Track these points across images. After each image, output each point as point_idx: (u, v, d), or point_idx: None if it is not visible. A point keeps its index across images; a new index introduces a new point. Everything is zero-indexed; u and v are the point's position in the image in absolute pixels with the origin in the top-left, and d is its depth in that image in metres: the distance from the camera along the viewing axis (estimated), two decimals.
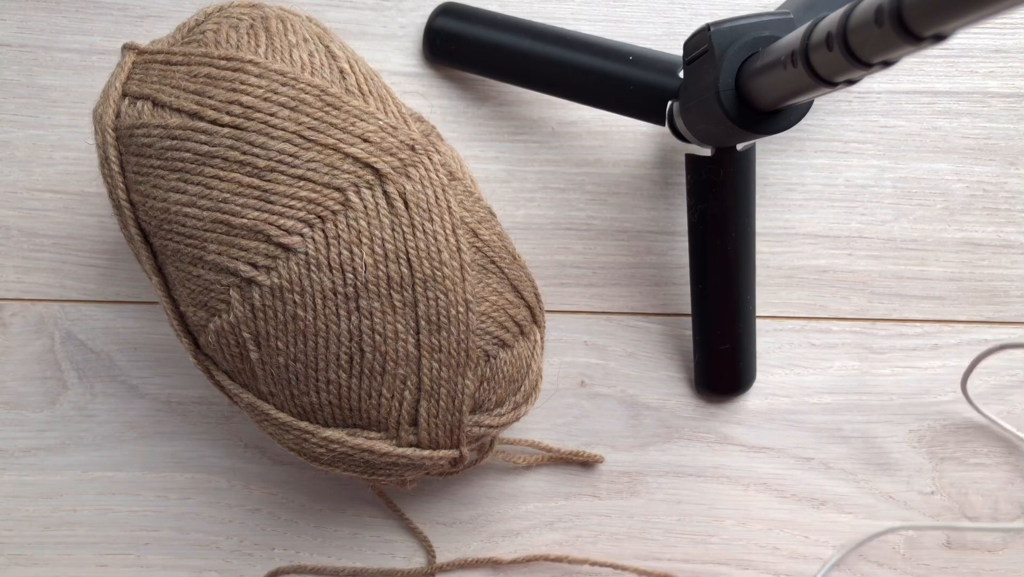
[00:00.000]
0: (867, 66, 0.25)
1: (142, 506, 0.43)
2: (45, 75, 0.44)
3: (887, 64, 0.25)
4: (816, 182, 0.45)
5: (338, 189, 0.32)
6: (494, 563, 0.42)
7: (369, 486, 0.42)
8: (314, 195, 0.32)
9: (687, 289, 0.43)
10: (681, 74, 0.38)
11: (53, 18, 0.44)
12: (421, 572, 0.42)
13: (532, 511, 0.43)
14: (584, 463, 0.43)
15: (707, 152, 0.38)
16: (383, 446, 0.34)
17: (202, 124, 0.32)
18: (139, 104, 0.34)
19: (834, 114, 0.45)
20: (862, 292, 0.44)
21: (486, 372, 0.35)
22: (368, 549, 0.43)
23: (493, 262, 0.35)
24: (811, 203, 0.45)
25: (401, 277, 0.32)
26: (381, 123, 0.33)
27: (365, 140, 0.32)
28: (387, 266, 0.32)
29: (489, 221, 0.36)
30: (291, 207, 0.31)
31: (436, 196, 0.33)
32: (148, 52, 0.35)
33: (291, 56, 0.33)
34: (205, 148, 0.32)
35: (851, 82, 0.27)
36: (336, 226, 0.32)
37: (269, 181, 0.32)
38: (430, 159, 0.33)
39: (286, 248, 0.32)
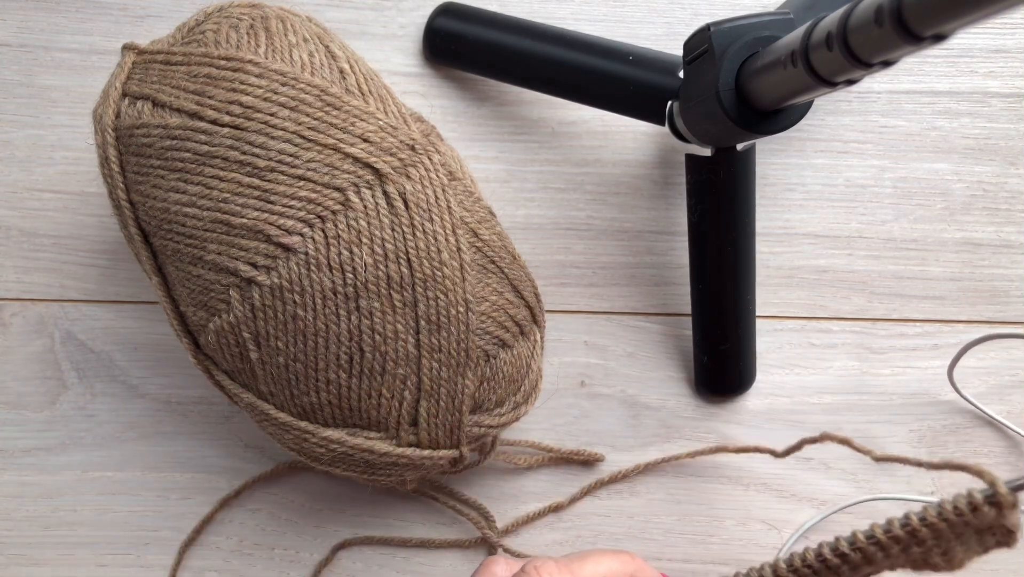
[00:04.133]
0: (867, 66, 0.25)
1: (142, 506, 0.43)
2: (45, 75, 0.44)
3: (887, 64, 0.25)
4: (816, 182, 0.45)
5: (338, 189, 0.32)
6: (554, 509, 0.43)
7: (369, 486, 0.42)
8: (314, 195, 0.32)
9: (687, 289, 0.43)
10: (681, 74, 0.38)
11: (53, 18, 0.44)
12: (485, 540, 0.42)
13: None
14: (585, 463, 0.43)
15: (707, 152, 0.38)
16: (383, 446, 0.34)
17: (202, 124, 0.32)
18: (139, 104, 0.34)
19: (834, 114, 0.45)
20: (862, 292, 0.44)
21: (486, 372, 0.35)
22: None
23: (493, 262, 0.35)
24: (811, 203, 0.45)
25: (401, 277, 0.32)
26: (381, 123, 0.33)
27: (365, 140, 0.32)
28: (387, 266, 0.32)
29: (489, 221, 0.36)
30: (291, 207, 0.31)
31: (436, 196, 0.33)
32: (148, 52, 0.35)
33: (291, 56, 0.33)
34: (205, 148, 0.32)
35: (851, 82, 0.27)
36: (336, 226, 0.32)
37: (269, 181, 0.32)
38: (430, 159, 0.33)
39: (286, 248, 0.32)
